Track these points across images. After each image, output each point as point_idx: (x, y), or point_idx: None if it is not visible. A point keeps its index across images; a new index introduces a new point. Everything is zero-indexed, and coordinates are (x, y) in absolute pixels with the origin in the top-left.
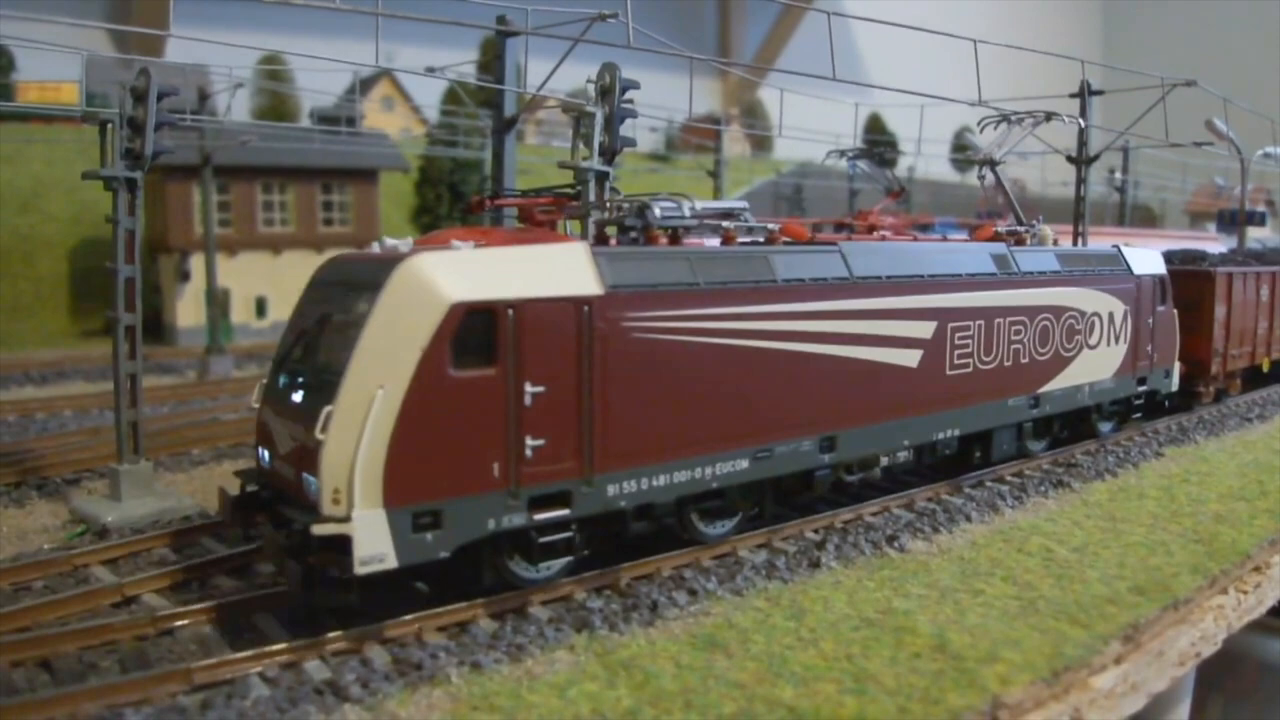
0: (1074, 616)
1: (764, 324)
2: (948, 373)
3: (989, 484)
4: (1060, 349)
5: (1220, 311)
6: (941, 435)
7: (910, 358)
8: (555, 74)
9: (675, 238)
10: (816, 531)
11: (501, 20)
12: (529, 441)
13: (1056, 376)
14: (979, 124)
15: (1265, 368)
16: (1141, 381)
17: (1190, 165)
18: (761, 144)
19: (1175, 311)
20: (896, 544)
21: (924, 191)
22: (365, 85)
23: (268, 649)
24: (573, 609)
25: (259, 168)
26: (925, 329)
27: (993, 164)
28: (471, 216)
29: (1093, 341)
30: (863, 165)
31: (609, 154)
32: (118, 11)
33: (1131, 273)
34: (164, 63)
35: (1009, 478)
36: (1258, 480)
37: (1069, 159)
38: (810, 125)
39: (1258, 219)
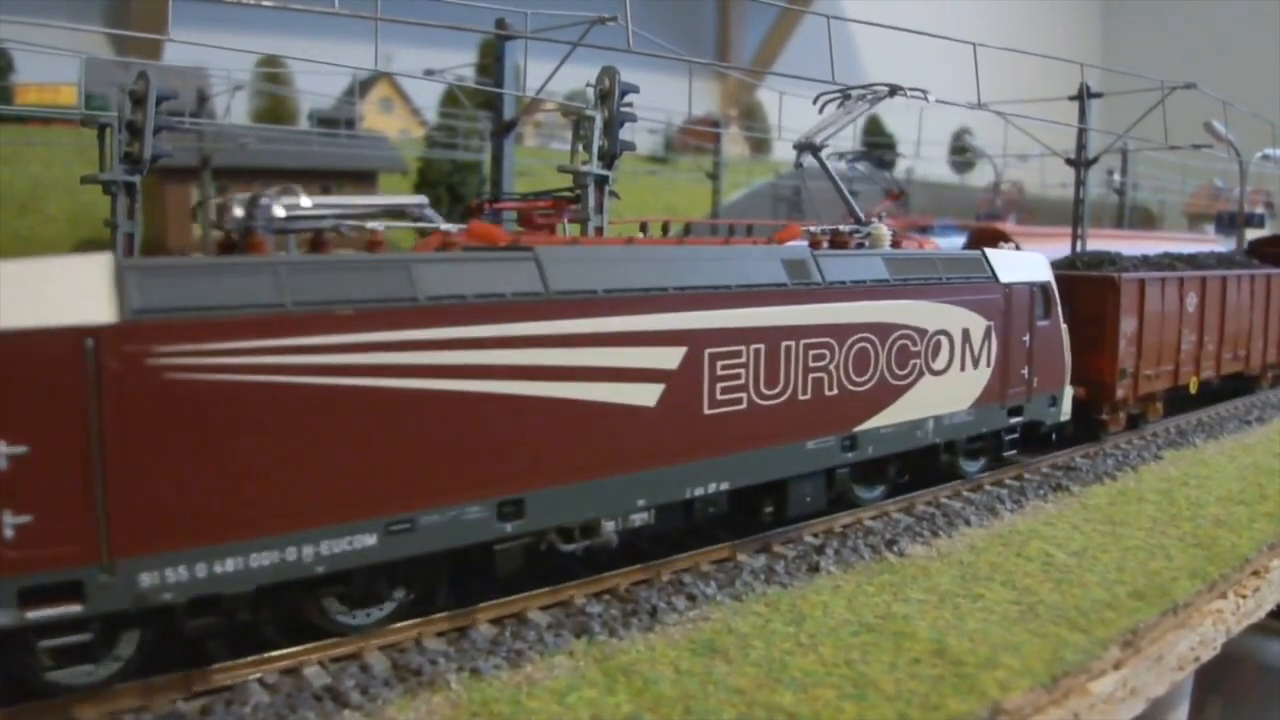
0: (1073, 621)
1: (398, 356)
2: (707, 412)
3: (988, 487)
4: (888, 376)
5: (1128, 324)
6: (700, 491)
7: (645, 394)
8: (555, 75)
9: (318, 244)
10: (816, 536)
11: (500, 24)
12: (7, 518)
13: (883, 410)
14: (816, 101)
15: (1193, 389)
16: (1015, 412)
17: (1189, 167)
18: (760, 145)
19: (1065, 326)
20: (896, 548)
21: (923, 193)
22: (364, 87)
23: (267, 655)
24: (572, 614)
25: (258, 169)
26: (668, 357)
27: (814, 149)
28: (470, 219)
29: (938, 365)
30: (861, 167)
31: (608, 158)
32: (116, 13)
33: (997, 280)
34: (162, 65)
35: (1008, 481)
36: (1257, 484)
37: (1068, 161)
38: (810, 126)
39: (1256, 221)
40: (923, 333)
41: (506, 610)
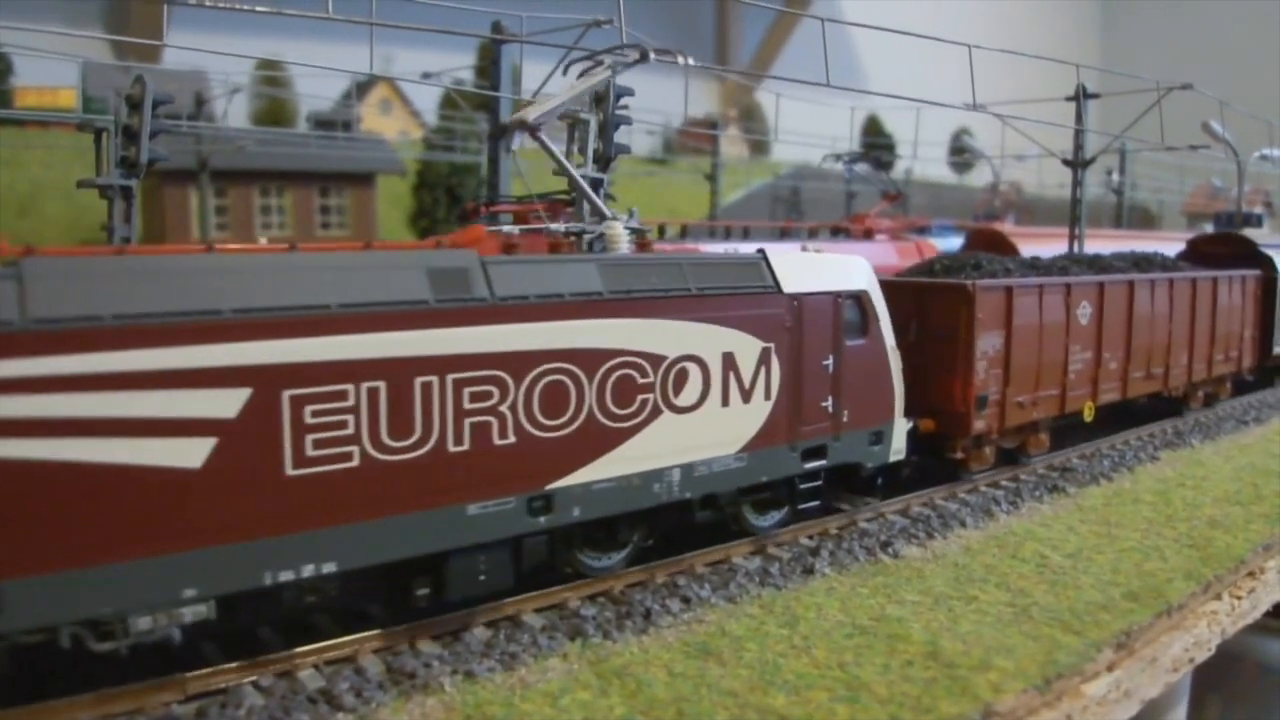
0: (1067, 623)
1: None
2: (291, 472)
3: (984, 489)
4: (601, 417)
5: (989, 341)
6: (288, 574)
7: (184, 452)
8: (552, 77)
9: None
10: (811, 538)
11: (496, 27)
12: None
13: (596, 460)
14: (565, 69)
15: (1088, 416)
16: (815, 454)
17: (1187, 167)
18: (759, 146)
19: (888, 345)
20: (891, 550)
21: (921, 193)
22: (362, 89)
23: (262, 658)
24: (566, 617)
25: (256, 172)
26: (220, 402)
27: (530, 128)
28: (467, 222)
29: (684, 400)
30: (859, 169)
31: (604, 161)
32: (115, 16)
33: (779, 291)
34: (161, 69)
35: (1004, 483)
36: (1253, 484)
37: (1065, 162)
38: (808, 128)
39: (1255, 220)
40: (658, 359)
41: (500, 613)
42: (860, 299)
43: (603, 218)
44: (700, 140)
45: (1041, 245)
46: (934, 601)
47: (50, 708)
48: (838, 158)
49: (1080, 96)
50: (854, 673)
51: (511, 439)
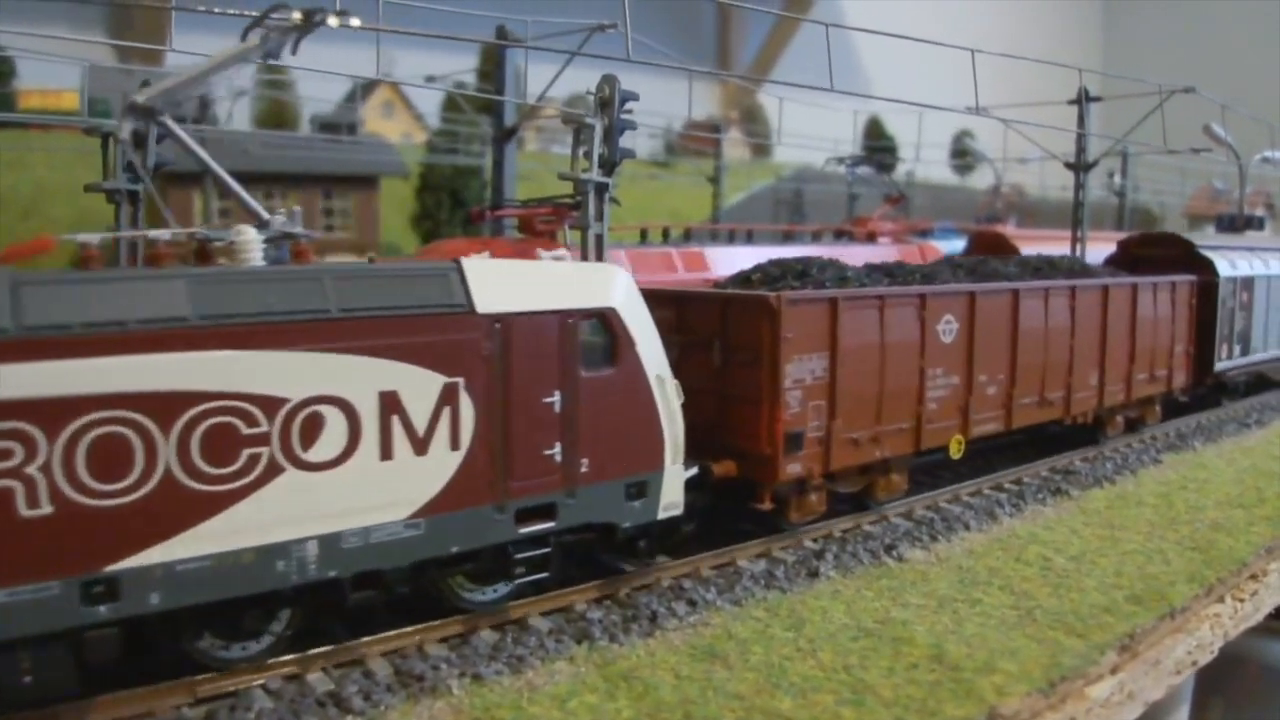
0: (1071, 626)
1: None
2: None
3: (987, 492)
4: (187, 478)
5: (804, 366)
6: None
7: None
8: (556, 80)
9: None
10: (815, 541)
11: (501, 31)
12: None
13: (180, 534)
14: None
15: (955, 451)
16: (538, 514)
17: (1189, 169)
18: (761, 148)
19: (653, 374)
20: (895, 553)
21: (923, 195)
22: (365, 90)
23: (271, 661)
24: (573, 620)
25: (260, 174)
26: None
27: (148, 112)
28: (472, 227)
29: (319, 455)
30: (861, 171)
31: (608, 165)
32: (118, 20)
33: (471, 310)
34: (163, 72)
35: (1007, 485)
36: (1255, 487)
37: (1067, 165)
38: (810, 130)
39: (1256, 223)
40: (274, 402)
41: (507, 617)
42: (606, 318)
43: (260, 220)
44: (702, 143)
45: (1044, 247)
46: (938, 604)
47: (60, 711)
48: (840, 161)
49: (1082, 100)
50: (859, 676)
51: (46, 508)
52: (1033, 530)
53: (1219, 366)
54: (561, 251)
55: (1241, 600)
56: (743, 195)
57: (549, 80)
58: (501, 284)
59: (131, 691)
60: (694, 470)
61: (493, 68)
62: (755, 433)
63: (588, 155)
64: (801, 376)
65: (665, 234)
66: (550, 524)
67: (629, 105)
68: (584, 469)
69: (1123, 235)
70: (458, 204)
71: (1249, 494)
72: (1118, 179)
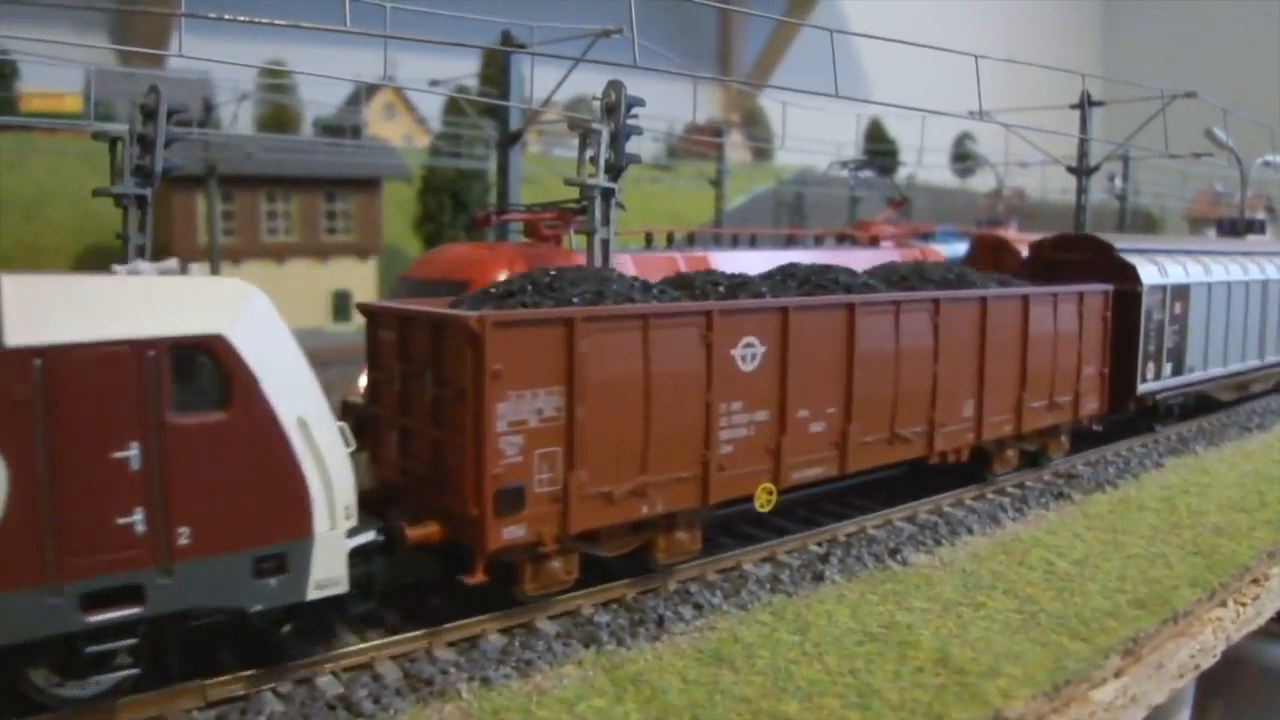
0: (1074, 630)
1: None
2: None
3: (990, 496)
4: None
5: (528, 404)
6: None
7: None
8: (560, 85)
9: None
10: (820, 545)
11: (506, 36)
12: None
13: None
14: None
15: (762, 503)
16: (115, 598)
17: (1190, 172)
18: (763, 151)
19: (288, 418)
20: (899, 557)
21: (925, 198)
22: (368, 93)
23: (281, 665)
24: (580, 624)
25: (262, 177)
26: None
27: None
28: (477, 231)
29: None
30: (864, 175)
31: (614, 171)
32: (121, 23)
33: None
34: (168, 75)
35: (1010, 490)
36: (1257, 491)
37: (1069, 169)
38: (812, 134)
39: (1257, 227)
40: None
41: (516, 620)
42: (211, 349)
43: None
44: (704, 146)
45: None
46: (943, 608)
47: (70, 715)
48: (842, 164)
49: (1084, 104)
50: (865, 679)
51: None
52: (1036, 534)
53: (1143, 389)
54: (170, 263)
55: (1243, 604)
56: (745, 198)
57: (553, 84)
58: (48, 308)
59: (143, 695)
60: (370, 536)
61: (496, 71)
62: (459, 487)
63: (594, 160)
64: (522, 418)
65: (670, 238)
66: (136, 609)
67: (635, 110)
68: (183, 540)
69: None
70: (460, 207)
71: (1251, 498)
72: (1119, 183)
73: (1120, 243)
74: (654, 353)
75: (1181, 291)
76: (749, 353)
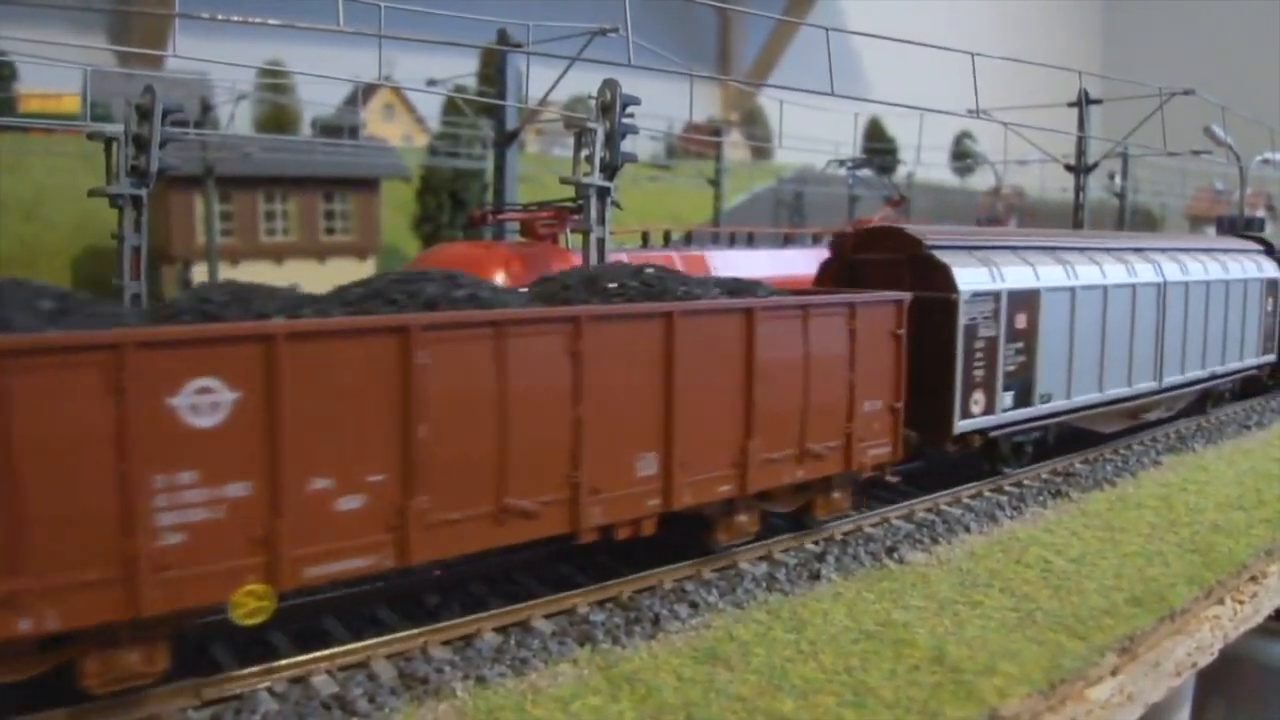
0: (1071, 628)
1: None
2: None
3: (988, 494)
4: None
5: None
6: None
7: None
8: (557, 84)
9: None
10: (816, 543)
11: (502, 35)
12: None
13: None
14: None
15: (243, 613)
16: None
17: (1189, 170)
18: (761, 150)
19: None
20: (896, 555)
21: (923, 197)
22: (366, 93)
23: (276, 664)
24: (576, 622)
25: (261, 178)
26: None
27: None
28: (473, 231)
29: None
30: (862, 174)
31: (610, 170)
32: (118, 23)
33: None
34: (165, 75)
35: (1007, 488)
36: (1255, 489)
37: (1067, 167)
38: (810, 132)
39: (1257, 225)
40: None
41: (511, 619)
42: None
43: None
44: (702, 145)
45: None
46: (939, 606)
47: (66, 714)
48: (841, 163)
49: (1082, 102)
50: (861, 678)
51: None
52: (1033, 532)
53: (965, 426)
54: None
55: (1241, 602)
56: (743, 197)
57: (550, 83)
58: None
59: (137, 694)
60: None
61: (494, 70)
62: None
63: (589, 159)
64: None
65: (666, 237)
66: None
67: (630, 109)
68: None
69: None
70: (459, 206)
71: (1249, 496)
72: (1118, 180)
73: (934, 237)
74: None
75: (1026, 299)
76: (205, 403)
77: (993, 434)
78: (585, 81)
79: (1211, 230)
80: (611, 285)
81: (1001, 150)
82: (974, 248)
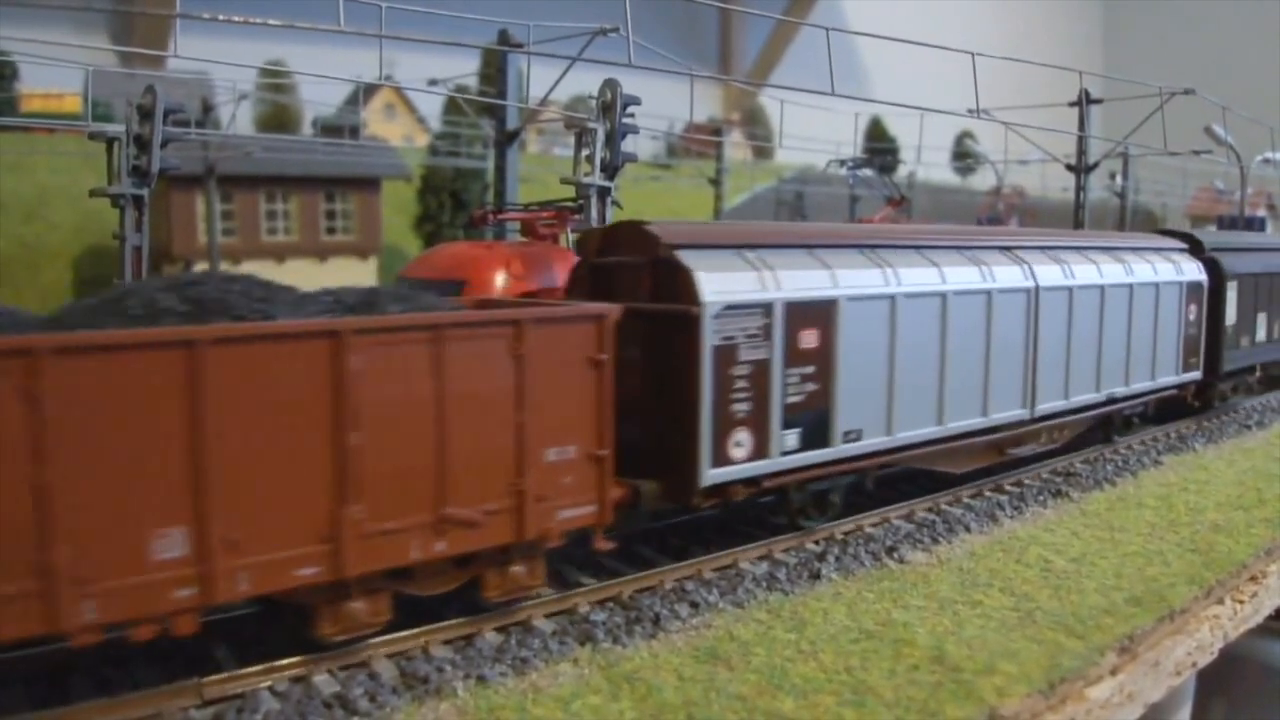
0: (1071, 628)
1: None
2: None
3: (988, 494)
4: None
5: None
6: None
7: None
8: (558, 84)
9: None
10: (817, 543)
11: (503, 36)
12: None
13: None
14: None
15: None
16: None
17: (1190, 170)
18: (762, 150)
19: None
20: (896, 555)
21: (924, 197)
22: (367, 93)
23: (278, 663)
24: (576, 622)
25: (262, 177)
26: None
27: None
28: (474, 230)
29: None
30: (863, 173)
31: (610, 169)
32: (120, 23)
33: None
34: (167, 75)
35: (1008, 487)
36: (1255, 489)
37: (1068, 167)
38: (812, 132)
39: (1258, 224)
40: None
41: (512, 618)
42: None
43: None
44: (703, 145)
45: None
46: (939, 606)
47: (67, 712)
48: (842, 163)
49: (1083, 102)
50: (860, 677)
51: None
52: (1033, 532)
53: (719, 475)
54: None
55: (1241, 602)
56: (744, 197)
57: (551, 83)
58: None
59: (139, 693)
60: None
61: (495, 70)
62: None
63: (590, 159)
64: None
65: None
66: None
67: (631, 109)
68: None
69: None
70: (460, 206)
71: (1249, 496)
72: (1119, 180)
73: (678, 235)
74: None
75: (815, 311)
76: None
77: (769, 483)
78: (586, 81)
79: (1212, 229)
80: (138, 307)
81: (1002, 150)
82: (744, 247)
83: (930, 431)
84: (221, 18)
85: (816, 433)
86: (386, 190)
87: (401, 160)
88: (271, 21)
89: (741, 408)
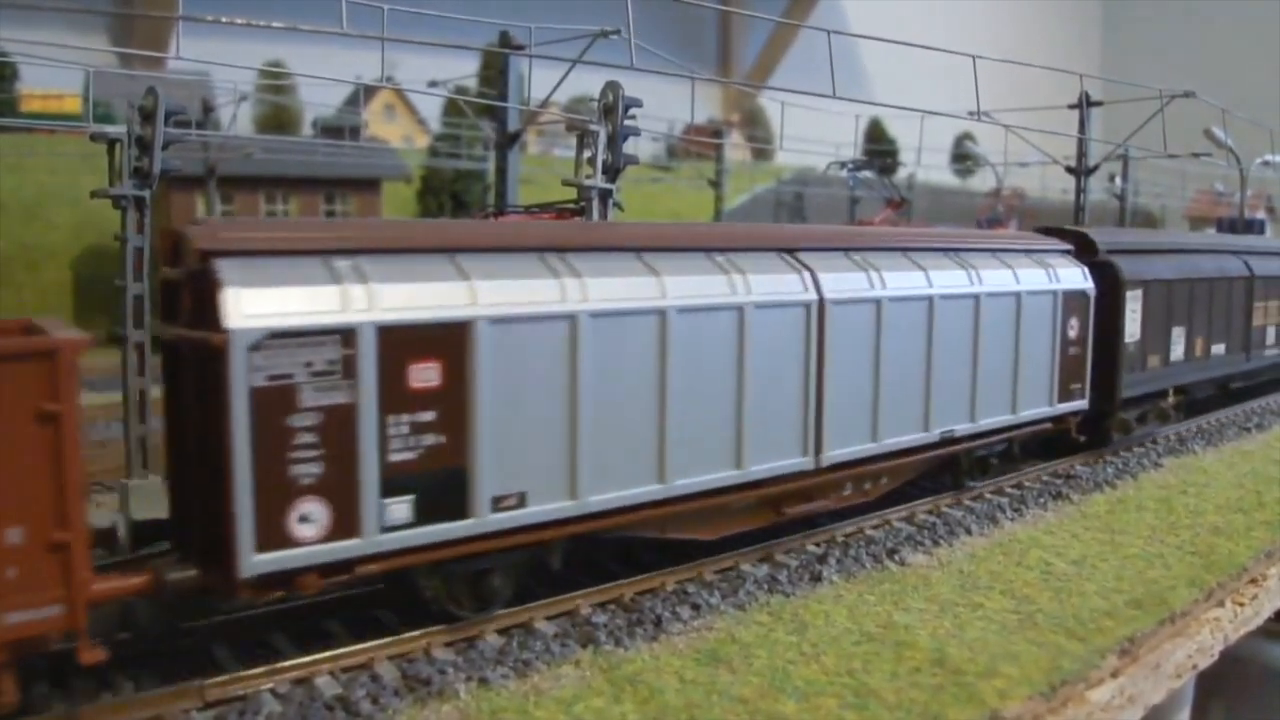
0: (1071, 630)
1: None
2: None
3: (989, 496)
4: None
5: None
6: None
7: None
8: (559, 86)
9: None
10: (818, 545)
11: (504, 37)
12: None
13: None
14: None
15: None
16: None
17: (1190, 172)
18: (762, 151)
19: None
20: (897, 557)
21: (924, 198)
22: (367, 94)
23: (280, 665)
24: (578, 624)
25: (262, 178)
26: None
27: None
28: None
29: None
30: (863, 175)
31: (612, 172)
32: (120, 23)
33: None
34: (167, 76)
35: (1008, 490)
36: (1255, 491)
37: (1068, 169)
38: (812, 134)
39: (1257, 226)
40: None
41: (514, 620)
42: None
43: None
44: (703, 146)
45: None
46: (940, 609)
47: (68, 714)
48: (842, 164)
49: (1083, 105)
50: (862, 680)
51: None
52: (1034, 534)
53: (273, 560)
54: None
55: (1241, 604)
56: (744, 198)
57: (552, 84)
58: None
59: (141, 695)
60: None
61: (495, 71)
62: None
63: (591, 161)
64: None
65: None
66: None
67: (633, 111)
68: None
69: None
70: (460, 207)
71: (1249, 498)
72: (1119, 182)
73: (214, 240)
74: None
75: (435, 337)
76: None
77: (365, 569)
78: (587, 83)
79: (1211, 231)
80: None
81: (1002, 152)
82: (337, 252)
83: (646, 492)
84: (224, 19)
85: (445, 500)
86: (387, 191)
87: (402, 161)
88: (274, 24)
89: (308, 470)
